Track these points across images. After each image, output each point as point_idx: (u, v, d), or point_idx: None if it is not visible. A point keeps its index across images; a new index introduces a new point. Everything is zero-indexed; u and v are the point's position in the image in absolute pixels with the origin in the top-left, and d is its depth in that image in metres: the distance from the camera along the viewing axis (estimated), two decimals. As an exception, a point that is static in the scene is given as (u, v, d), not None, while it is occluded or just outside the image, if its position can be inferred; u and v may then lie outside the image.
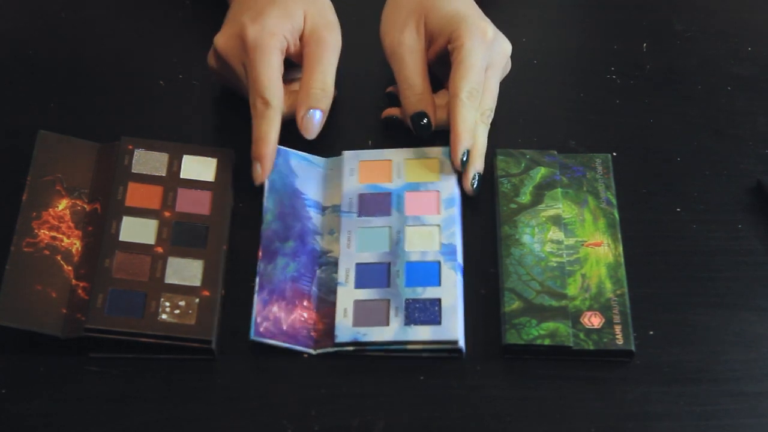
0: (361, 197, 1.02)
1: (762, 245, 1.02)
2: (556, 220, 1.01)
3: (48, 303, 0.94)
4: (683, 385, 0.94)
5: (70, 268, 0.96)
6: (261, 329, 0.94)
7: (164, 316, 0.94)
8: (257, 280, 0.96)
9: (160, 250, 0.97)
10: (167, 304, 0.95)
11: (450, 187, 1.02)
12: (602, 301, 0.97)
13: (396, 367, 0.94)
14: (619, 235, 1.00)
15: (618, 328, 0.95)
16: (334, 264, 0.98)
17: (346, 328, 0.94)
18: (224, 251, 0.98)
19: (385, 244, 0.99)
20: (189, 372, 0.94)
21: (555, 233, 1.00)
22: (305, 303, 0.96)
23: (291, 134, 1.03)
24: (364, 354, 0.95)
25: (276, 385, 0.93)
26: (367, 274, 0.97)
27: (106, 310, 0.93)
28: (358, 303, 0.96)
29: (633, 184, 1.05)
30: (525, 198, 1.02)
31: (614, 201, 1.02)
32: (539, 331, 0.95)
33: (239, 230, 1.01)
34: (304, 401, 0.92)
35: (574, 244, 1.00)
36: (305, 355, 0.95)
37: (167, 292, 0.95)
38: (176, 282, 0.96)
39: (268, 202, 1.00)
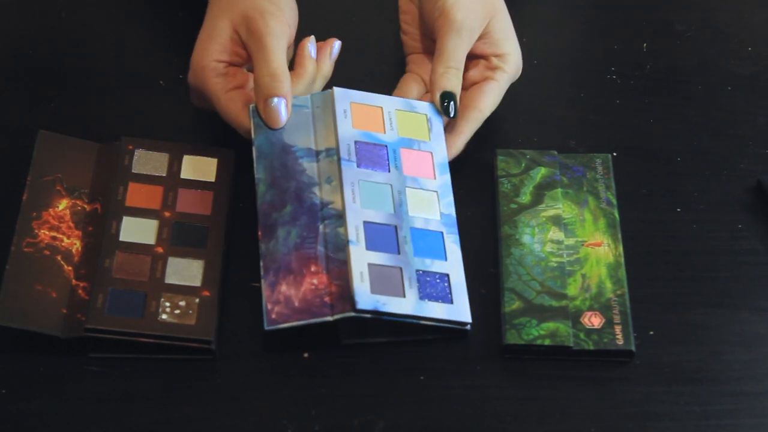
0: (358, 145, 1.00)
1: (762, 245, 1.02)
2: (556, 220, 1.01)
3: (48, 303, 0.94)
4: (683, 385, 0.94)
5: (70, 268, 0.96)
6: (273, 316, 0.92)
7: (164, 316, 0.94)
8: (261, 264, 0.95)
9: (160, 250, 0.97)
10: (167, 304, 0.94)
11: (442, 151, 1.01)
12: (602, 301, 0.97)
13: (396, 367, 0.94)
14: (619, 235, 1.00)
15: (618, 328, 0.95)
16: (337, 217, 0.96)
17: (365, 295, 0.92)
18: (223, 251, 0.98)
19: (389, 205, 0.97)
20: (189, 372, 0.94)
21: (555, 233, 1.00)
22: (313, 268, 0.94)
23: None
24: (363, 352, 0.95)
25: (276, 385, 0.93)
26: (376, 236, 0.96)
27: (106, 310, 0.93)
28: (372, 267, 0.94)
29: (633, 184, 1.05)
30: (525, 198, 1.02)
31: (614, 201, 1.02)
32: (539, 331, 0.95)
33: (239, 230, 1.01)
34: (304, 401, 0.92)
35: (574, 244, 1.00)
36: (305, 355, 0.95)
37: (167, 292, 0.95)
38: (176, 282, 0.96)
39: (258, 172, 0.98)
